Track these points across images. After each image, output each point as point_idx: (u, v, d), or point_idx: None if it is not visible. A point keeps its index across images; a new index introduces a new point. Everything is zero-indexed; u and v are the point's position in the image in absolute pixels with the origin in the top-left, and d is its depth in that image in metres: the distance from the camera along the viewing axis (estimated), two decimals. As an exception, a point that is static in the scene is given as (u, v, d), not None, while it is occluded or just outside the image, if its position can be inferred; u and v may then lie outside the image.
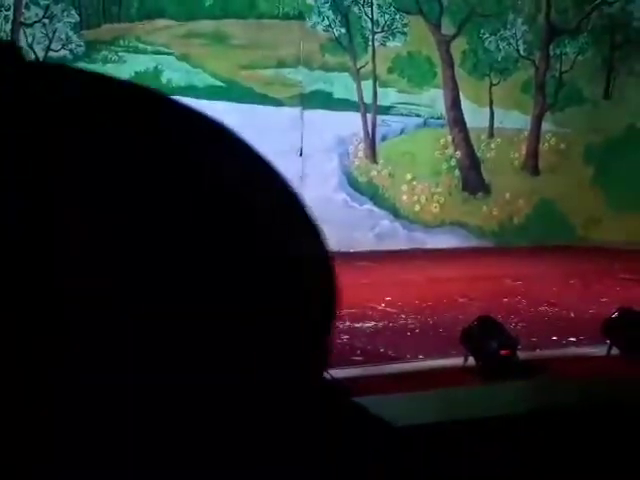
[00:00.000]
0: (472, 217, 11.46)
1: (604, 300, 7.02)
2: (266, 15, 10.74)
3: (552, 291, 7.48)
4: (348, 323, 6.06)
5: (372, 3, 11.10)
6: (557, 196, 11.88)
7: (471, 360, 4.72)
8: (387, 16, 11.18)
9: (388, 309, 6.70)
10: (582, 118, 12.08)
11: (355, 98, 11.20)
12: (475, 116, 11.58)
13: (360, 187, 11.32)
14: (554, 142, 12.04)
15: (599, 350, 5.02)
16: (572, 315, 6.41)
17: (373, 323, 6.11)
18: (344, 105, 11.15)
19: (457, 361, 4.78)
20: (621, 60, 12.15)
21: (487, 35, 11.60)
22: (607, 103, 12.17)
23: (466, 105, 11.55)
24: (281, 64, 10.73)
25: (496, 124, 11.64)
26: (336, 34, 11.02)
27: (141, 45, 10.18)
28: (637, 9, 12.20)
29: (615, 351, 4.91)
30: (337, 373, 4.34)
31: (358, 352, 5.16)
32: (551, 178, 11.97)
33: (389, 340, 5.52)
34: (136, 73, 10.07)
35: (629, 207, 12.30)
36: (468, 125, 11.57)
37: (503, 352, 4.65)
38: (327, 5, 10.91)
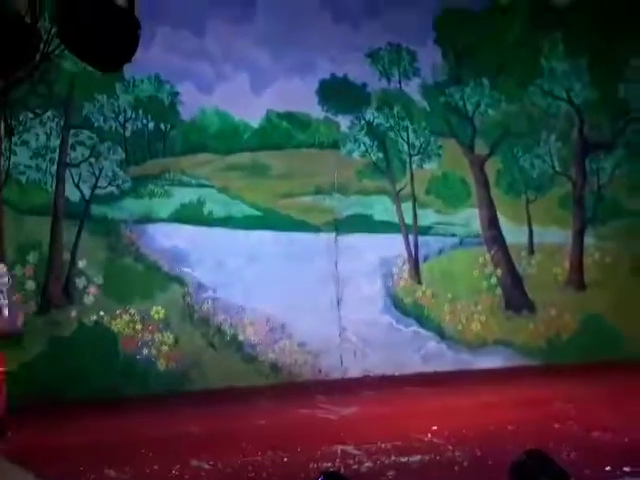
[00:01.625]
0: (517, 335, 11.27)
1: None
2: (303, 145, 10.99)
3: (604, 414, 7.25)
4: (394, 457, 5.94)
5: (407, 128, 11.31)
6: (605, 310, 11.66)
7: (521, 497, 4.54)
8: (422, 139, 11.36)
9: (435, 440, 6.53)
10: (625, 231, 11.96)
11: (395, 219, 11.27)
12: (513, 233, 11.56)
13: (405, 309, 11.26)
14: (598, 256, 11.92)
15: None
16: (626, 441, 6.18)
17: (419, 457, 5.95)
18: (385, 227, 11.23)
19: (507, 498, 4.60)
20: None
21: (521, 153, 11.70)
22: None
23: (503, 223, 11.55)
24: (318, 191, 10.91)
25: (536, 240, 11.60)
26: (373, 159, 11.20)
27: (185, 178, 10.44)
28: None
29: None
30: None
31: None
32: (598, 292, 11.79)
33: (436, 476, 5.36)
34: (181, 205, 10.31)
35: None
36: (508, 242, 11.55)
37: (553, 488, 4.47)
38: (362, 132, 11.13)
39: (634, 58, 12.03)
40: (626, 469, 5.27)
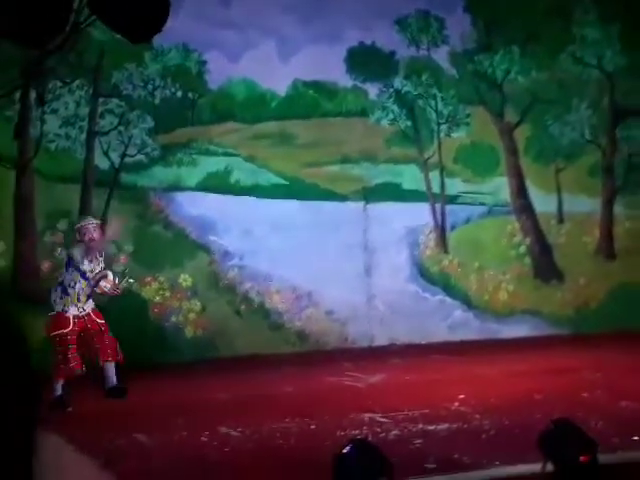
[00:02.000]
0: (545, 304, 11.24)
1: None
2: (330, 114, 10.95)
3: (633, 383, 7.22)
4: (421, 426, 5.96)
5: (436, 96, 11.23)
6: (635, 279, 11.58)
7: (550, 466, 4.55)
8: (451, 107, 11.27)
9: (462, 408, 6.55)
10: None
11: (423, 188, 11.24)
12: (543, 202, 11.48)
13: (432, 277, 11.26)
14: (628, 225, 11.82)
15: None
16: (655, 411, 6.17)
17: (447, 425, 5.96)
18: (413, 196, 11.20)
19: (535, 467, 4.61)
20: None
21: (551, 121, 11.59)
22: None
23: (533, 191, 11.48)
24: (345, 160, 10.88)
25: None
26: (402, 127, 11.14)
27: (212, 147, 10.46)
28: None
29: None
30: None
31: (431, 459, 5.03)
32: (628, 261, 11.71)
33: (464, 444, 5.37)
34: (208, 174, 10.34)
35: None
36: (537, 211, 11.47)
37: (582, 458, 4.47)
38: (391, 100, 11.06)
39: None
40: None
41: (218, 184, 10.44)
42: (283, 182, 10.70)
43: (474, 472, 4.73)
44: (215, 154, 10.48)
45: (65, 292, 7.29)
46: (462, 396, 6.91)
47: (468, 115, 11.30)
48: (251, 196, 10.53)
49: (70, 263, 7.36)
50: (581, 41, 11.66)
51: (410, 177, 11.18)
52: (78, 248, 7.31)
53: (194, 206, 10.26)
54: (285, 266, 10.38)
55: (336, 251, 10.48)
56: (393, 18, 10.92)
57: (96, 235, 7.35)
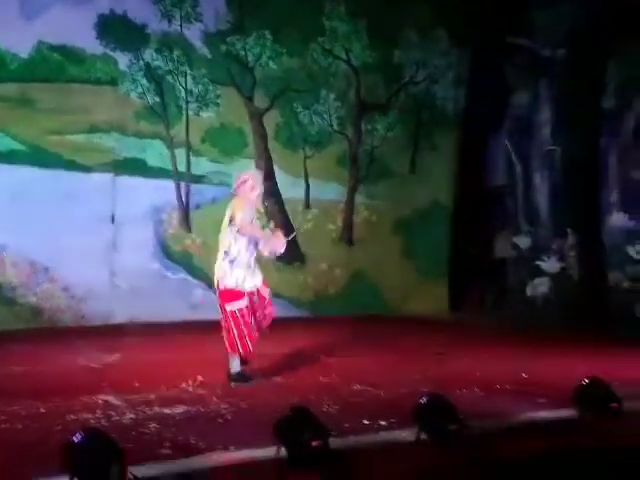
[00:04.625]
0: (287, 287, 11.47)
1: (417, 378, 7.12)
2: (77, 80, 10.47)
3: (365, 368, 7.52)
4: (157, 409, 5.83)
5: (186, 73, 11.07)
6: (370, 267, 12.12)
7: (284, 451, 4.62)
8: (201, 87, 11.17)
9: (200, 391, 6.49)
10: (391, 191, 12.47)
11: (169, 166, 11.08)
12: (291, 188, 11.71)
13: (174, 256, 11.13)
14: (367, 214, 12.35)
15: (409, 434, 5.04)
16: (382, 395, 6.43)
17: (184, 408, 5.88)
18: (158, 173, 10.99)
19: (270, 451, 4.66)
20: (425, 137, 12.71)
21: (300, 109, 11.82)
22: (413, 177, 12.65)
23: (281, 176, 11.66)
24: (93, 130, 10.46)
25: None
26: (150, 102, 10.89)
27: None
28: (440, 89, 12.83)
29: (424, 436, 4.95)
30: (139, 470, 4.13)
31: (167, 444, 4.92)
32: (363, 249, 12.24)
33: (200, 428, 5.31)
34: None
35: (434, 278, 12.75)
36: (284, 196, 11.67)
37: (314, 443, 4.58)
38: (141, 73, 10.77)
39: (407, 26, 12.46)
40: (382, 422, 5.48)
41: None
42: (23, 148, 10.10)
43: (210, 456, 4.68)
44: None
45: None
46: (201, 378, 6.86)
47: (218, 96, 11.28)
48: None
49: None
50: (331, 33, 11.99)
51: (156, 153, 10.99)
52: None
53: None
54: (22, 238, 9.83)
55: (80, 225, 10.07)
56: (146, -11, 10.65)
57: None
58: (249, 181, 6.82)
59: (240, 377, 6.74)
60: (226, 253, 6.80)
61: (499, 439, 5.14)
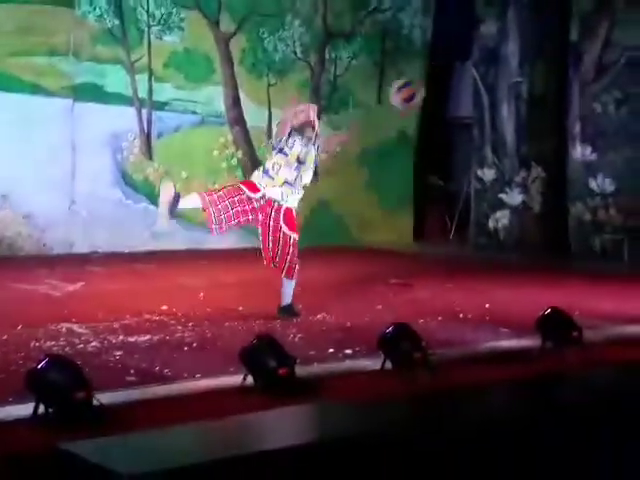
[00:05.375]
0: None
1: (379, 307, 7.17)
2: (34, 1, 10.13)
3: (329, 298, 7.54)
4: (122, 337, 5.80)
5: (148, -5, 10.78)
6: (333, 198, 12.08)
7: (250, 379, 4.63)
8: (163, 9, 10.89)
9: (164, 319, 6.47)
10: (356, 122, 12.36)
11: (129, 92, 10.85)
12: (255, 116, 11.54)
13: (135, 185, 10.98)
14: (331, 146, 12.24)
15: (374, 363, 5.08)
16: (348, 324, 6.47)
17: (148, 336, 5.86)
18: (117, 99, 10.77)
19: (236, 379, 4.66)
20: (390, 66, 12.55)
21: (266, 35, 11.59)
22: (379, 108, 12.52)
23: (246, 104, 11.48)
24: (52, 53, 10.17)
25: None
26: (109, 25, 10.60)
27: None
28: (407, 17, 12.66)
29: (389, 365, 4.99)
30: (105, 397, 4.11)
31: (132, 372, 4.91)
32: (328, 180, 12.15)
33: (165, 356, 5.30)
34: None
35: (399, 209, 12.78)
36: (249, 125, 11.51)
37: (281, 371, 4.59)
38: (100, -6, 10.47)
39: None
40: (347, 351, 5.52)
41: None
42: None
43: (175, 384, 4.68)
44: None
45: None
46: (165, 307, 6.83)
47: (182, 19, 11.01)
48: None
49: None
50: (296, -44, 11.72)
51: (116, 79, 10.72)
52: None
53: None
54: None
55: (40, 151, 9.86)
56: None
57: None
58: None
59: (292, 309, 6.65)
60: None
61: (462, 368, 5.20)
